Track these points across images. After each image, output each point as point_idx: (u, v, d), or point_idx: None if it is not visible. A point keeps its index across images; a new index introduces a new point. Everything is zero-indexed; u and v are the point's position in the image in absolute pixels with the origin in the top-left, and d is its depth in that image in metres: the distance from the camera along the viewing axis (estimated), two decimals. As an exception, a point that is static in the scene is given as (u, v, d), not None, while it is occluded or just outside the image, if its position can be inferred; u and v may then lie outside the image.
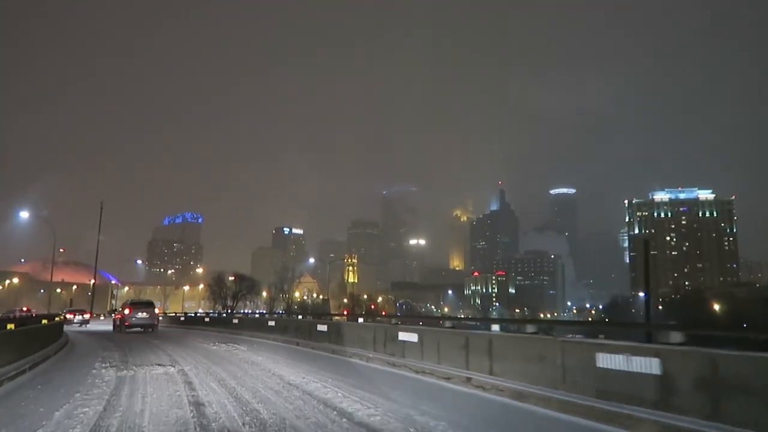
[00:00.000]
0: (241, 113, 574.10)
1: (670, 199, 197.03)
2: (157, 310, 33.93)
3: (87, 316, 46.43)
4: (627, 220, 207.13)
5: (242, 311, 73.56)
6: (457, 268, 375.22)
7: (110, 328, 35.48)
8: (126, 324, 30.50)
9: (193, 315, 50.16)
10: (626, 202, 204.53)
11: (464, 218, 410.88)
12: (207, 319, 39.84)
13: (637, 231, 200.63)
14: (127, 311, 31.24)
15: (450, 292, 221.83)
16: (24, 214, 46.79)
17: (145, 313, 31.03)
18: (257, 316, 50.57)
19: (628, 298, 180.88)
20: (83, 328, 39.34)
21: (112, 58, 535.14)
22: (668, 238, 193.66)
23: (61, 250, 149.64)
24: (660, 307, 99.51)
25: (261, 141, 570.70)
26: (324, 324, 21.56)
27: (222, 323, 35.82)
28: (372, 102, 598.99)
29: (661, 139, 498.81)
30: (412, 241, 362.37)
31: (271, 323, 27.18)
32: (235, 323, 32.42)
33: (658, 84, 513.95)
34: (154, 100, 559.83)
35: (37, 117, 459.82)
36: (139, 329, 30.43)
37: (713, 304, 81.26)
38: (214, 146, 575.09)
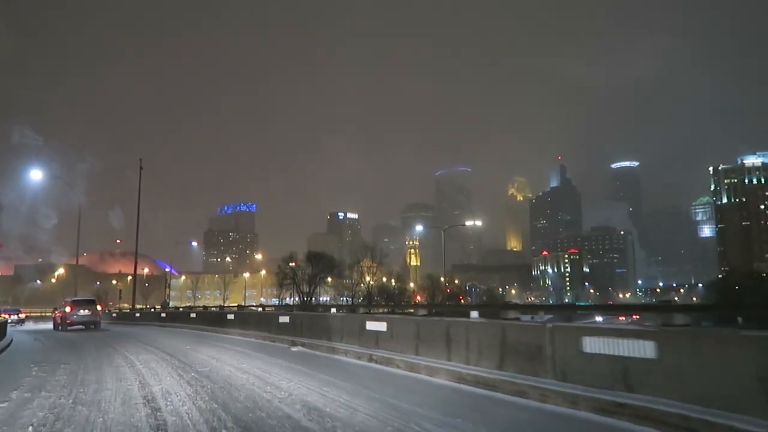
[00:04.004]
0: (291, 100, 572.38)
1: (763, 163, 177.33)
2: (99, 308, 33.79)
3: (23, 315, 47.20)
4: (712, 188, 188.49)
5: (321, 299, 63.06)
6: (515, 249, 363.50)
7: (50, 326, 34.95)
8: (67, 322, 29.93)
9: (181, 309, 41.93)
10: (711, 168, 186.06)
11: (521, 197, 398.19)
12: (193, 315, 34.48)
13: (725, 200, 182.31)
14: (68, 309, 30.46)
15: (551, 274, 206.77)
16: (36, 175, 39.03)
17: (87, 311, 30.56)
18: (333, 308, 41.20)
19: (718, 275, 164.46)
20: (19, 327, 38.11)
21: (161, 49, 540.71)
22: (763, 207, 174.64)
23: (118, 241, 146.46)
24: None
25: (312, 127, 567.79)
26: (380, 321, 12.95)
27: (212, 320, 27.97)
28: (424, 84, 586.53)
29: (731, 100, 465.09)
30: (468, 223, 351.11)
31: (284, 319, 18.97)
32: (230, 319, 24.79)
33: (716, 38, 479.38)
34: (203, 91, 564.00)
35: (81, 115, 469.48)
36: (80, 327, 29.99)
37: None
38: (264, 134, 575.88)
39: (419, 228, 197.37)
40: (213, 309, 38.81)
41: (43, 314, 60.59)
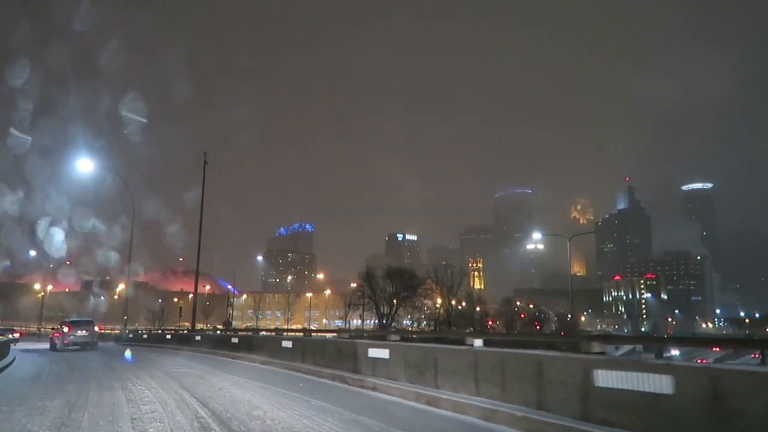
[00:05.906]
0: (349, 123, 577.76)
1: None
2: (97, 328, 33.65)
3: (17, 335, 46.48)
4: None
5: (395, 323, 56.67)
6: (578, 274, 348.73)
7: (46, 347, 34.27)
8: (65, 342, 30.07)
9: (264, 333, 31.73)
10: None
11: (583, 220, 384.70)
12: (287, 344, 24.16)
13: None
14: (66, 329, 30.61)
15: (649, 299, 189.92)
16: (86, 166, 34.84)
17: (84, 331, 30.73)
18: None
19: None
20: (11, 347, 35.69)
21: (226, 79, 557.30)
22: None
23: (181, 259, 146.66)
24: None
25: (370, 148, 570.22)
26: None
27: (330, 356, 16.83)
28: (485, 104, 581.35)
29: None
30: (530, 246, 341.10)
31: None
32: (377, 358, 14.33)
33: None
34: (262, 113, 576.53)
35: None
36: (77, 348, 30.04)
37: None
38: (323, 156, 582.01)
39: (537, 236, 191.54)
40: (320, 335, 25.05)
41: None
